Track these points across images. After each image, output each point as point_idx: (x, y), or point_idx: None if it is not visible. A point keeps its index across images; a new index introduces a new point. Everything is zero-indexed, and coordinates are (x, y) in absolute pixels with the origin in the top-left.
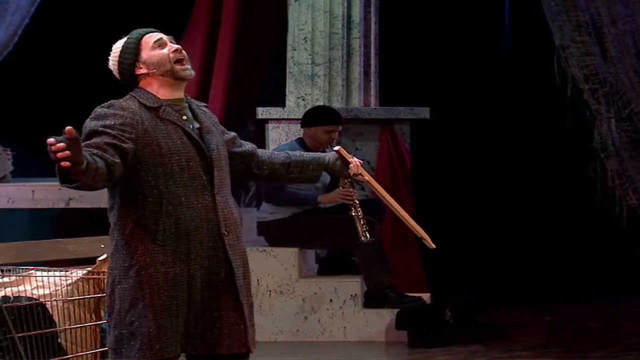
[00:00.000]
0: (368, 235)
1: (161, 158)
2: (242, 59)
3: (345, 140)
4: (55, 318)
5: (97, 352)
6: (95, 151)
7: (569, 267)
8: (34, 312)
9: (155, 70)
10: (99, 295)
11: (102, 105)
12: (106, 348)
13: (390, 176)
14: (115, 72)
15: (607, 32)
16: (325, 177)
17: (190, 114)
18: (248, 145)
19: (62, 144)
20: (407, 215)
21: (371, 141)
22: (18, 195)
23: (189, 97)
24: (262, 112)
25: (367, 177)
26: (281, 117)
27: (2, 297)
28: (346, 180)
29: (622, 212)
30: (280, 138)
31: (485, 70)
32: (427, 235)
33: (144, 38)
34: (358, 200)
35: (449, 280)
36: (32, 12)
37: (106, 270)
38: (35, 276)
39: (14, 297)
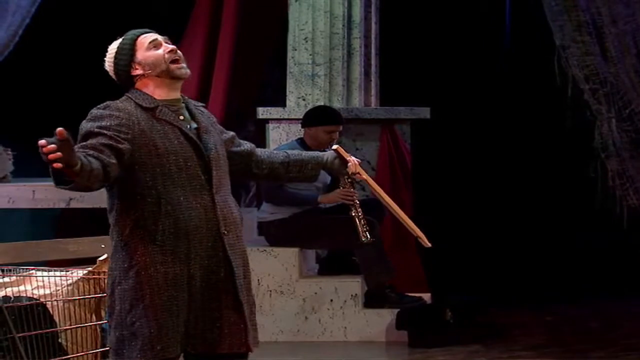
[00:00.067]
0: (368, 235)
1: (158, 158)
2: (242, 59)
3: (345, 140)
4: (56, 318)
5: (97, 352)
6: (90, 152)
7: (569, 267)
8: (34, 312)
9: (150, 71)
10: (100, 295)
11: (98, 106)
12: (107, 348)
13: (390, 176)
14: (112, 73)
15: (608, 32)
16: (326, 177)
17: (187, 114)
18: (247, 145)
19: (53, 145)
20: (403, 214)
21: (372, 141)
22: (19, 195)
23: (186, 97)
24: (262, 112)
25: (365, 175)
26: (282, 117)
27: (3, 297)
28: (347, 181)
29: (622, 212)
30: (281, 138)
31: (485, 70)
32: (423, 234)
33: (139, 39)
34: (358, 201)
35: (449, 280)
36: (32, 12)
37: (106, 270)
38: (36, 276)
39: (14, 297)
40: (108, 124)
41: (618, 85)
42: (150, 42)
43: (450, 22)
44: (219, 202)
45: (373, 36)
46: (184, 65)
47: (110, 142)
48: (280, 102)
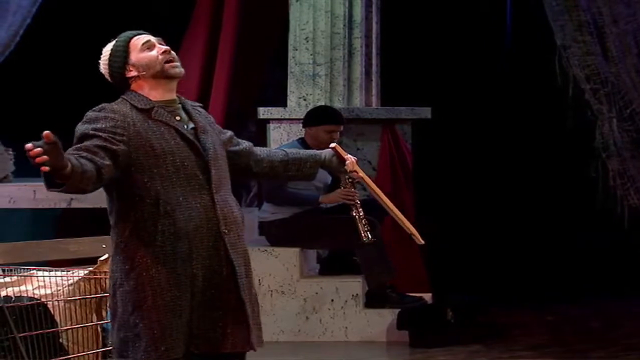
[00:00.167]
0: (369, 235)
1: (155, 159)
2: (243, 60)
3: (346, 140)
4: (57, 318)
5: (98, 352)
6: (84, 154)
7: (570, 267)
8: (35, 312)
9: (145, 73)
10: (101, 295)
11: (94, 109)
12: (107, 348)
13: (391, 176)
14: (107, 76)
15: (609, 31)
16: (327, 178)
17: (184, 115)
18: (245, 144)
19: (39, 149)
20: (398, 211)
21: (372, 141)
22: (19, 195)
23: (182, 98)
24: (263, 112)
25: (362, 173)
26: (282, 117)
27: (4, 297)
28: (347, 181)
29: (623, 212)
30: (282, 138)
31: (486, 70)
32: (416, 232)
33: (132, 40)
34: (359, 201)
35: (450, 280)
36: (33, 12)
37: (107, 270)
38: (37, 276)
39: (15, 297)
40: (103, 126)
41: (619, 85)
42: (143, 44)
43: (451, 22)
44: (219, 201)
45: (374, 36)
46: (178, 64)
47: (105, 144)
48: (281, 102)
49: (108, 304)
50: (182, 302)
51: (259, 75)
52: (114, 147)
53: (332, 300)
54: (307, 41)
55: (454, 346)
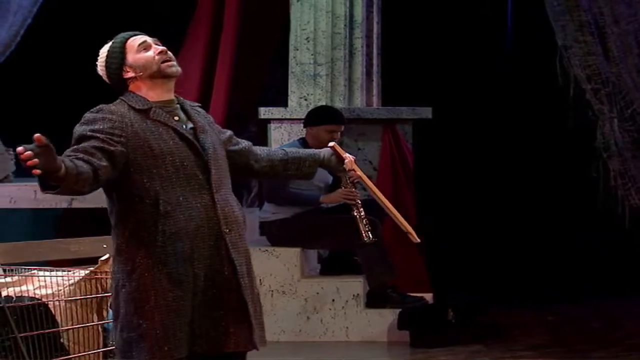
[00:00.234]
0: (370, 235)
1: (154, 160)
2: (244, 60)
3: (347, 140)
4: (58, 318)
5: (99, 352)
6: (81, 155)
7: (571, 267)
8: (36, 312)
9: (142, 73)
10: (102, 295)
11: (91, 110)
12: (108, 348)
13: (392, 176)
14: (104, 77)
15: (610, 32)
16: (328, 177)
17: (182, 115)
18: (244, 143)
19: (29, 152)
20: (394, 209)
21: (373, 141)
22: (20, 195)
23: (181, 98)
24: (264, 112)
25: (360, 172)
26: (283, 117)
27: (5, 297)
28: (348, 180)
29: (624, 212)
30: (283, 138)
31: (487, 70)
32: (412, 230)
33: (128, 42)
34: (360, 201)
35: (451, 280)
36: (34, 12)
37: (108, 270)
38: (38, 276)
39: (16, 297)
40: (101, 127)
41: (620, 85)
42: (139, 44)
43: (452, 22)
44: (219, 200)
45: (375, 36)
46: (175, 63)
47: (102, 145)
48: (282, 102)
49: (109, 304)
50: (185, 302)
51: (259, 75)
52: (112, 148)
53: (333, 300)
54: (308, 41)
55: (455, 346)
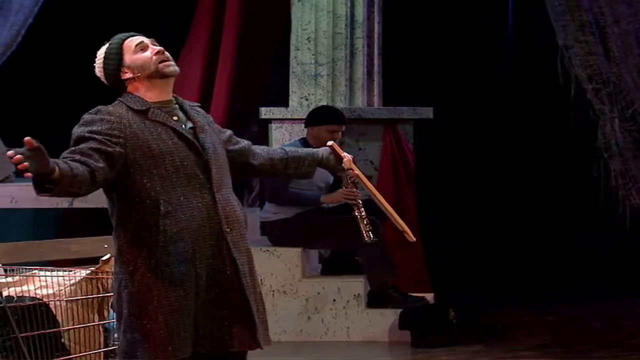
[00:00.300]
0: (371, 235)
1: (153, 160)
2: (245, 60)
3: (348, 140)
4: (59, 318)
5: (100, 352)
6: (78, 157)
7: (571, 267)
8: (37, 312)
9: (140, 74)
10: (103, 295)
11: (90, 111)
12: (109, 348)
13: (393, 176)
14: (103, 79)
15: (611, 31)
16: (329, 177)
17: (182, 115)
18: (244, 142)
19: (19, 155)
20: (391, 208)
21: (374, 141)
22: (21, 195)
23: (179, 98)
24: (265, 112)
25: (357, 171)
26: (284, 117)
27: (6, 297)
28: (349, 180)
29: (625, 212)
30: (284, 138)
31: (488, 70)
32: (408, 229)
33: (125, 42)
34: (361, 201)
35: (452, 280)
36: (35, 12)
37: (109, 270)
38: (39, 276)
39: (17, 297)
40: (99, 128)
41: (621, 85)
42: (137, 45)
43: (453, 22)
44: (220, 200)
45: (376, 36)
46: (173, 63)
47: (100, 147)
48: (283, 102)
49: (110, 304)
50: (188, 302)
51: (260, 75)
52: (109, 149)
53: (334, 300)
54: (309, 41)
55: (456, 346)
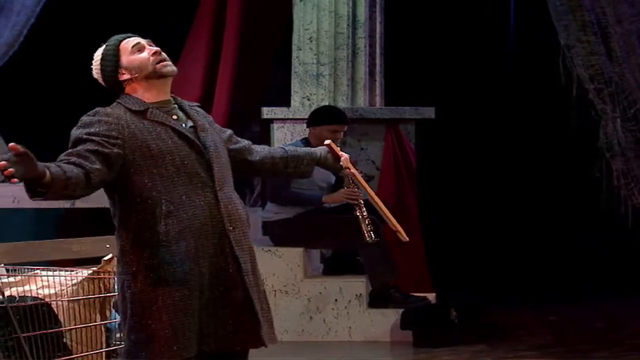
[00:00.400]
0: (373, 235)
1: (153, 160)
2: (246, 60)
3: (350, 140)
4: (61, 318)
5: (102, 352)
6: (73, 159)
7: (573, 267)
8: (39, 311)
9: (137, 75)
10: (104, 295)
11: (88, 113)
12: (111, 348)
13: (395, 176)
14: (100, 81)
15: (613, 31)
16: (330, 177)
17: (181, 114)
18: (244, 142)
19: (3, 162)
20: (385, 208)
21: (376, 141)
22: (23, 195)
23: (178, 99)
24: (267, 112)
25: (353, 170)
26: (286, 117)
27: (8, 296)
28: (350, 180)
29: (627, 212)
30: (285, 138)
31: (490, 70)
32: (402, 229)
33: (122, 44)
34: (362, 200)
35: (454, 280)
36: (37, 11)
37: (111, 270)
38: (41, 276)
39: (19, 296)
40: (97, 130)
41: (623, 85)
42: (133, 46)
43: (455, 21)
44: (222, 198)
45: (378, 36)
46: (170, 63)
47: (97, 148)
48: (285, 102)
49: (112, 304)
50: (192, 301)
51: (262, 75)
52: (107, 150)
53: (336, 300)
54: (311, 41)
55: (458, 346)
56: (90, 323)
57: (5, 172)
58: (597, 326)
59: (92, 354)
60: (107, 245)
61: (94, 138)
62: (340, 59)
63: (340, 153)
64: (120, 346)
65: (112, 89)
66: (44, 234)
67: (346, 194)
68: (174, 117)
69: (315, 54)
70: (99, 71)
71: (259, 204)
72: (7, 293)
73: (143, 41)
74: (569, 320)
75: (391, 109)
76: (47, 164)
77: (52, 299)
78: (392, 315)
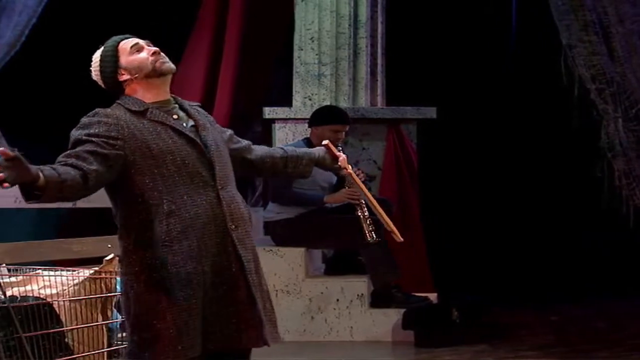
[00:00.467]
0: (374, 235)
1: (154, 160)
2: (248, 60)
3: (352, 140)
4: (62, 318)
5: (104, 351)
6: (71, 161)
7: (574, 267)
8: (41, 311)
9: (137, 75)
10: (106, 294)
11: (88, 114)
12: (113, 348)
13: (396, 176)
14: (100, 82)
15: (615, 31)
16: (332, 177)
17: (182, 114)
18: (244, 142)
19: None
20: (380, 209)
21: (378, 141)
22: None
23: (179, 98)
24: (268, 112)
25: (350, 170)
26: (288, 117)
27: (9, 296)
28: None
29: (628, 212)
30: (287, 138)
31: (491, 69)
32: (396, 230)
33: (121, 44)
34: (364, 200)
35: (455, 280)
36: (39, 11)
37: (113, 269)
38: (42, 276)
39: (21, 296)
40: (96, 130)
41: (625, 85)
42: (132, 47)
43: (457, 21)
44: (224, 197)
45: (379, 36)
46: (169, 60)
47: (96, 149)
48: (287, 102)
49: (113, 304)
50: (196, 300)
51: (264, 75)
52: (106, 151)
53: (338, 300)
54: (313, 41)
55: (460, 346)
56: (92, 323)
57: None
58: (598, 326)
59: (93, 353)
60: (109, 245)
61: (93, 139)
62: (341, 59)
63: (338, 153)
64: (122, 346)
65: (111, 90)
66: (46, 234)
67: (348, 194)
68: (175, 116)
69: (316, 54)
70: (99, 73)
71: (261, 204)
72: (8, 293)
73: (142, 42)
74: (571, 320)
75: (393, 108)
76: (42, 167)
77: (53, 299)
78: (393, 315)
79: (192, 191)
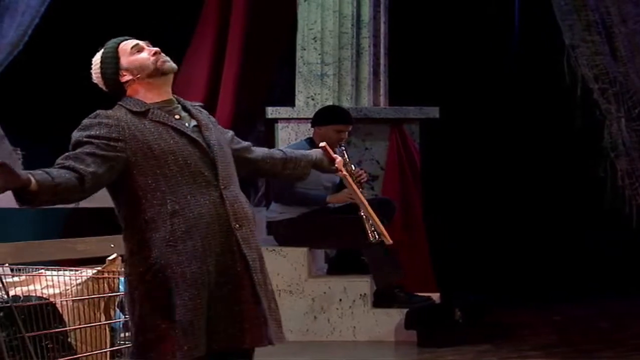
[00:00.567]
0: (377, 235)
1: (156, 160)
2: (251, 60)
3: (354, 139)
4: (65, 317)
5: (107, 351)
6: (68, 163)
7: (577, 266)
8: (43, 311)
9: (139, 75)
10: (109, 294)
11: (89, 116)
12: (116, 347)
13: (399, 176)
14: (101, 85)
15: (617, 31)
16: (334, 177)
17: (184, 113)
18: (245, 142)
19: None
20: (372, 211)
21: (380, 141)
22: None
23: (181, 99)
24: (271, 112)
25: (345, 172)
26: (290, 117)
27: (12, 296)
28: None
29: (631, 212)
30: (290, 137)
31: (494, 69)
32: (386, 233)
33: (121, 46)
34: (366, 200)
35: (458, 280)
36: (42, 11)
37: (116, 269)
38: (45, 275)
39: (23, 296)
40: (97, 132)
41: (627, 85)
42: (132, 47)
43: (459, 21)
44: (228, 197)
45: (382, 36)
46: (170, 60)
47: (96, 151)
48: (289, 101)
49: (116, 304)
50: (201, 300)
51: (267, 75)
52: (106, 152)
53: (340, 299)
54: (315, 41)
55: (463, 346)
56: (95, 323)
57: None
58: (601, 326)
59: (96, 353)
60: (112, 245)
61: (93, 141)
62: (344, 59)
63: (334, 156)
64: (125, 346)
65: (113, 92)
66: (48, 233)
67: (350, 194)
68: (177, 116)
69: (319, 54)
70: (99, 75)
71: (263, 203)
72: (11, 292)
73: (142, 42)
74: (573, 320)
75: (395, 108)
76: (34, 171)
77: (56, 299)
78: (396, 315)
79: (195, 191)
